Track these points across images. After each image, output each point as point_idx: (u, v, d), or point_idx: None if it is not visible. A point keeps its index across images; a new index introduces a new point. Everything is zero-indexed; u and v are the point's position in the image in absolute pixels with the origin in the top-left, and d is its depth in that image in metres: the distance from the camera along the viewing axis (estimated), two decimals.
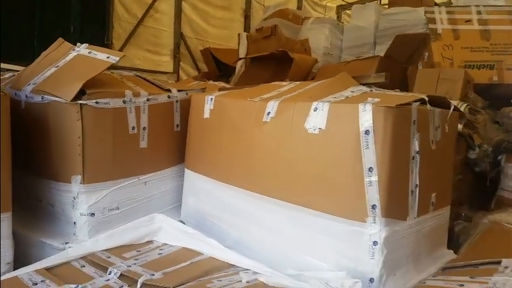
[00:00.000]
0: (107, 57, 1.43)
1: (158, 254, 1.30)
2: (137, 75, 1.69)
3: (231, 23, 6.14)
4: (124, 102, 1.42)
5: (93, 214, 1.40)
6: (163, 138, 1.57)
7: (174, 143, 1.60)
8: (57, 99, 1.34)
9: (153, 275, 1.15)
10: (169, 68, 5.32)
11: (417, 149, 1.12)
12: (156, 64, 5.16)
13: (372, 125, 1.05)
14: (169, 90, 1.59)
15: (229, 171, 1.40)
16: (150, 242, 1.38)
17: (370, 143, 1.05)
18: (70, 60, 1.48)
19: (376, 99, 1.11)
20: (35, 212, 1.50)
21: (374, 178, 1.06)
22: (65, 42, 1.59)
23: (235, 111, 1.38)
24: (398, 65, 3.48)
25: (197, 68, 5.47)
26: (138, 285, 1.09)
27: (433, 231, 1.29)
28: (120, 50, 4.76)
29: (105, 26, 4.61)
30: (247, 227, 1.35)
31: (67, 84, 1.34)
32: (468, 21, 3.06)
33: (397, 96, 1.22)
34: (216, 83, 3.36)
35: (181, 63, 5.46)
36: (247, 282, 1.08)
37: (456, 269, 1.20)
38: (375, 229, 1.06)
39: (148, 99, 1.49)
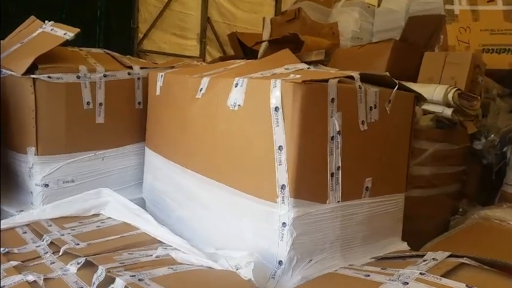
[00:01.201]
0: (64, 34, 1.48)
1: (97, 226, 1.34)
2: (107, 53, 1.73)
3: (261, 6, 6.08)
4: (78, 77, 1.47)
5: (47, 185, 1.47)
6: (123, 115, 1.61)
7: (135, 120, 1.63)
8: (12, 73, 1.41)
9: (78, 244, 1.19)
10: (196, 52, 5.38)
11: (338, 128, 1.06)
12: (183, 48, 5.23)
13: (281, 101, 1.01)
14: (130, 67, 1.61)
15: (172, 149, 1.40)
16: (97, 215, 1.43)
17: (280, 120, 1.01)
18: (34, 37, 1.54)
19: (298, 76, 1.06)
20: (7, 181, 1.59)
21: (283, 157, 1.02)
22: (36, 20, 1.66)
23: (176, 88, 1.38)
24: (415, 49, 3.28)
25: (223, 53, 5.48)
26: (60, 252, 1.14)
27: (374, 219, 1.22)
28: (146, 33, 4.87)
29: (131, 10, 4.73)
30: (187, 204, 1.36)
31: (21, 59, 1.40)
32: (491, 0, 2.81)
33: (321, 73, 1.16)
34: None
35: (207, 47, 5.50)
36: (156, 256, 1.09)
37: (385, 260, 1.13)
38: (284, 210, 1.03)
39: (105, 75, 1.52)
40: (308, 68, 1.24)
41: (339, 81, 1.06)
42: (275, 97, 1.01)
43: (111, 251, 1.14)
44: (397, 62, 2.93)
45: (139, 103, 1.63)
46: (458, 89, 1.88)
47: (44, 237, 1.23)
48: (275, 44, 4.04)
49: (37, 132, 1.42)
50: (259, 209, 1.08)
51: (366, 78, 1.19)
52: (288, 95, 1.00)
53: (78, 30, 1.49)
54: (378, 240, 1.26)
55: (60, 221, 1.36)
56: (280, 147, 1.02)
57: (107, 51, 1.75)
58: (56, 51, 1.52)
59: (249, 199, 1.10)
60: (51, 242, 1.20)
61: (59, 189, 1.49)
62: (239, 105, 1.11)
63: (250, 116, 1.09)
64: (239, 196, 1.13)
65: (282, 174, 1.02)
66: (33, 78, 1.39)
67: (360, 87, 1.11)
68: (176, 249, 1.14)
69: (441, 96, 1.85)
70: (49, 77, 1.41)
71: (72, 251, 1.13)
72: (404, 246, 1.33)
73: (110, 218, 1.40)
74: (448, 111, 1.84)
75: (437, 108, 1.87)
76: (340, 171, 1.09)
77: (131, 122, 1.63)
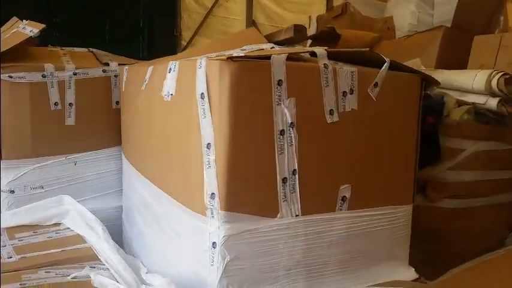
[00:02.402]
0: (30, 31, 1.38)
1: (48, 237, 1.20)
2: (90, 51, 1.62)
3: (310, 6, 5.78)
4: (43, 76, 1.35)
5: (13, 191, 1.36)
6: (98, 116, 1.47)
7: (112, 122, 1.48)
8: None
9: (11, 257, 1.06)
10: None
11: (290, 120, 0.81)
12: None
13: (206, 86, 0.78)
14: (107, 64, 1.48)
15: (132, 152, 1.23)
16: (58, 224, 1.29)
17: (207, 110, 0.79)
18: (7, 37, 1.47)
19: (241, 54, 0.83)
20: None
21: (212, 157, 0.78)
22: (18, 20, 1.59)
23: (132, 81, 1.20)
24: (470, 35, 2.83)
25: None
26: None
27: (359, 238, 0.93)
28: (190, 40, 4.84)
29: (174, 18, 4.73)
30: (144, 215, 1.17)
31: None
32: None
33: (274, 51, 0.90)
34: None
35: None
36: (73, 277, 0.91)
37: None
38: (214, 226, 0.79)
39: (75, 74, 1.40)
40: (272, 47, 0.99)
41: (292, 59, 0.81)
42: (200, 81, 0.79)
43: (37, 267, 0.99)
44: (449, 51, 2.55)
45: (117, 103, 1.49)
46: (505, 74, 1.49)
47: None
48: (316, 42, 3.77)
49: (0, 135, 1.33)
50: (191, 223, 0.85)
51: (341, 57, 0.92)
52: (214, 76, 0.77)
53: (43, 26, 1.38)
54: (367, 265, 0.97)
55: (15, 230, 1.24)
56: (208, 145, 0.79)
57: (91, 49, 1.63)
58: (29, 50, 1.44)
59: (184, 211, 0.88)
60: None
61: (26, 196, 1.38)
62: (171, 94, 0.90)
63: (180, 107, 0.88)
64: (176, 207, 0.91)
65: (212, 180, 0.79)
66: None
67: (326, 66, 0.84)
68: (104, 269, 0.95)
69: (483, 83, 1.48)
70: (10, 77, 1.31)
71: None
72: (410, 273, 1.03)
73: (67, 228, 1.26)
74: (493, 102, 1.47)
75: (479, 99, 1.51)
76: (296, 175, 0.83)
77: (108, 123, 1.48)
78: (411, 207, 1.03)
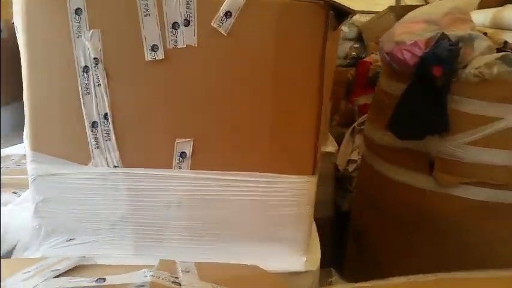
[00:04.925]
0: None
1: None
2: None
3: None
4: None
5: None
6: None
7: None
8: None
9: None
10: None
11: (94, 55, 0.70)
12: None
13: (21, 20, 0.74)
14: None
15: None
16: None
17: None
18: None
19: None
20: None
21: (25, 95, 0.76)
22: None
23: None
24: None
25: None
26: None
27: (216, 206, 0.77)
28: None
29: None
30: None
31: None
32: None
33: None
34: None
35: None
36: None
37: None
38: (28, 166, 0.78)
39: None
40: None
41: None
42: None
43: None
44: None
45: None
46: None
47: None
48: None
49: None
50: None
51: None
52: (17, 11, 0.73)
53: None
54: (226, 241, 0.80)
55: None
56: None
57: None
58: None
59: None
60: None
61: None
62: None
63: None
64: None
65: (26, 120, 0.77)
66: None
67: None
68: None
69: None
70: None
71: None
72: (296, 263, 0.81)
73: None
74: None
75: None
76: (109, 120, 0.73)
77: None
78: (309, 180, 0.79)
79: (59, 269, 0.65)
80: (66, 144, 0.75)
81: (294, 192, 0.78)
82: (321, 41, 0.73)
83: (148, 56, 0.71)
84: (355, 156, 1.82)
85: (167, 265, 0.62)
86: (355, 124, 1.89)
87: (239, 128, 0.75)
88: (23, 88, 0.74)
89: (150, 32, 0.70)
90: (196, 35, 0.71)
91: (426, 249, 1.17)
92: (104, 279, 0.60)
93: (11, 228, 0.84)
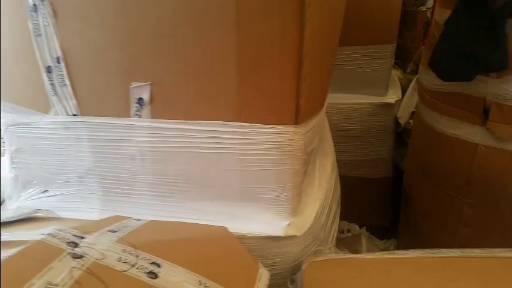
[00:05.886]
0: None
1: None
2: None
3: None
4: None
5: None
6: None
7: None
8: None
9: None
10: None
11: None
12: None
13: None
14: None
15: None
16: None
17: None
18: None
19: None
20: None
21: None
22: None
23: None
24: None
25: None
26: None
27: (182, 159, 0.68)
28: None
29: None
30: None
31: None
32: None
33: None
34: None
35: None
36: None
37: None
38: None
39: None
40: None
41: None
42: None
43: None
44: None
45: None
46: None
47: None
48: None
49: None
50: None
51: None
52: None
53: None
54: (200, 199, 0.71)
55: None
56: None
57: None
58: None
59: None
60: None
61: None
62: None
63: None
64: None
65: None
66: None
67: None
68: None
69: None
70: None
71: None
72: (275, 227, 0.69)
73: None
74: None
75: None
76: (62, 64, 0.67)
77: None
78: (291, 130, 0.65)
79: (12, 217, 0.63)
80: (28, 93, 0.71)
81: (272, 145, 0.65)
82: None
83: None
84: None
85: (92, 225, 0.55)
86: None
87: (200, 68, 0.63)
88: None
89: None
90: None
91: (478, 218, 0.96)
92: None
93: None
